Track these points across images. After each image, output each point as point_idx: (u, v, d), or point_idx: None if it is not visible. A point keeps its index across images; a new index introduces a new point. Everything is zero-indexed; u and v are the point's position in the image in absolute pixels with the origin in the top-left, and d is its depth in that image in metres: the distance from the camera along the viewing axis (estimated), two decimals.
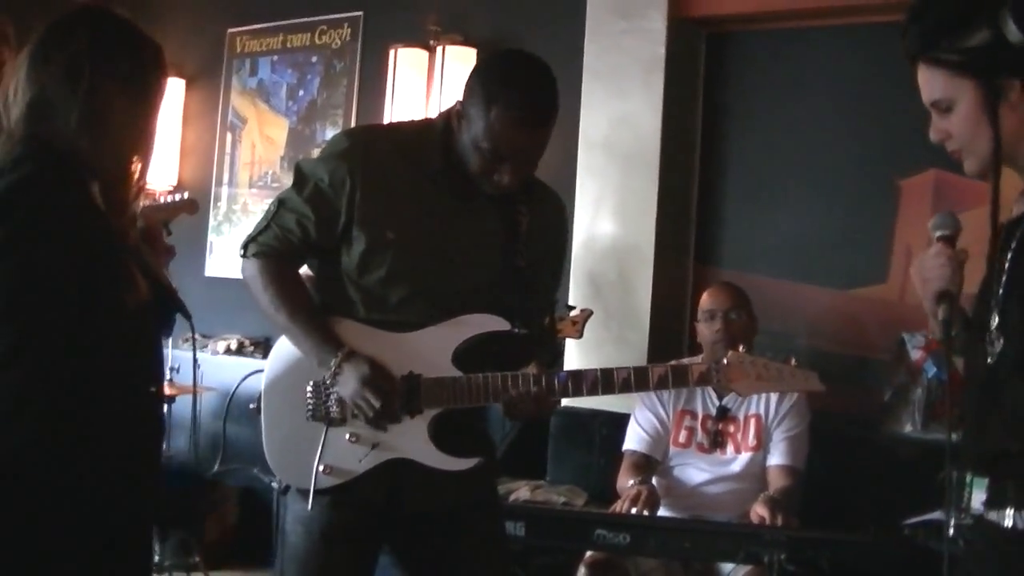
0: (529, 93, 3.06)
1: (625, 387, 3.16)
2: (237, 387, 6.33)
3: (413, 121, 3.46)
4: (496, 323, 3.18)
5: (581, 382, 3.16)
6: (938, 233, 2.40)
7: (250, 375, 5.98)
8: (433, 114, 5.71)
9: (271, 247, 3.25)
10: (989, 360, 2.27)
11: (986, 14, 2.22)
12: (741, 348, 3.28)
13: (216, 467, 6.55)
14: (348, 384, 3.11)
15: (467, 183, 3.17)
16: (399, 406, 3.15)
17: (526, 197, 3.28)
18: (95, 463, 2.59)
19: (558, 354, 3.27)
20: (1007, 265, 2.29)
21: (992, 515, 2.29)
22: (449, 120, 3.20)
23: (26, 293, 2.49)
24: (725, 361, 3.20)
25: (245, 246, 3.31)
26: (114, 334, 2.63)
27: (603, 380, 3.15)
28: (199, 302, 2.94)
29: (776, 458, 4.54)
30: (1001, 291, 2.28)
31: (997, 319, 2.27)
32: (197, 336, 3.06)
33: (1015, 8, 2.19)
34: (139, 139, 2.73)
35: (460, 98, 3.17)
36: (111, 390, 2.63)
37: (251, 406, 3.36)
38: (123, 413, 2.65)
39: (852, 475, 4.66)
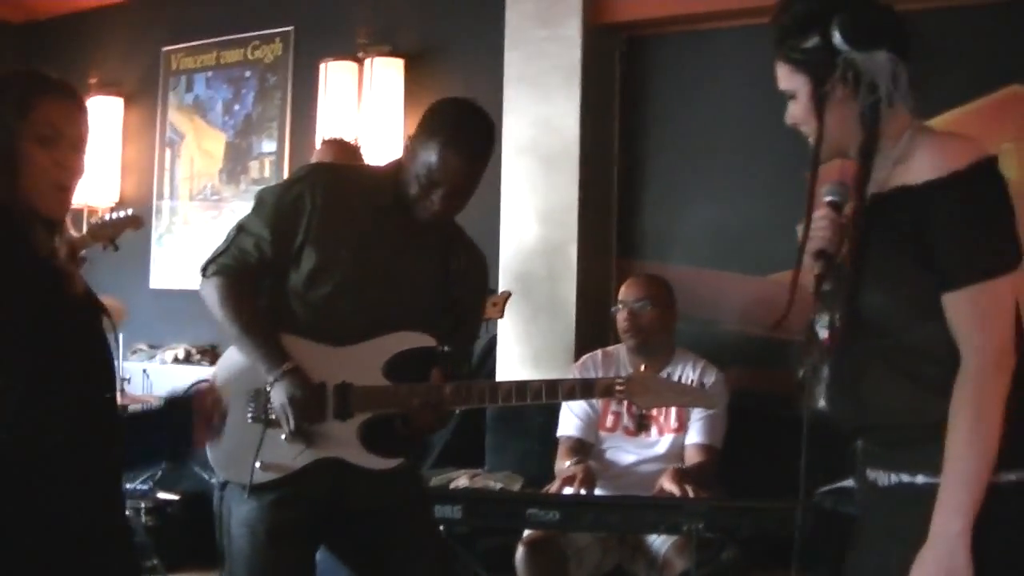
0: (465, 128, 3.43)
1: (536, 397, 3.47)
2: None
3: (377, 164, 3.75)
4: (423, 340, 3.49)
5: (496, 392, 3.51)
6: (828, 198, 2.61)
7: (197, 383, 6.18)
8: (363, 121, 6.01)
9: (229, 267, 3.53)
10: (837, 323, 2.52)
11: (820, 22, 2.51)
12: (643, 367, 3.59)
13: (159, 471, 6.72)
14: (278, 397, 3.39)
15: (412, 221, 3.49)
16: (330, 411, 3.43)
17: (461, 246, 3.65)
18: (52, 468, 2.78)
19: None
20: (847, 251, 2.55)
21: (869, 473, 2.57)
22: (401, 162, 3.53)
23: None
24: (629, 377, 3.54)
25: (205, 267, 3.58)
26: (60, 343, 2.84)
27: (516, 392, 3.48)
28: (146, 314, 3.17)
29: (693, 436, 4.79)
30: (852, 270, 2.52)
31: (848, 295, 2.51)
32: (144, 347, 3.29)
33: (841, 20, 2.48)
34: (23, 167, 2.83)
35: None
36: (67, 395, 2.84)
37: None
38: (78, 415, 2.86)
39: (772, 450, 4.88)
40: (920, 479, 2.42)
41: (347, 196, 3.53)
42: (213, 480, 3.62)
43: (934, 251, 2.38)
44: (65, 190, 2.91)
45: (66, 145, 2.88)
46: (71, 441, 2.81)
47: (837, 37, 2.48)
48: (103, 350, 3.03)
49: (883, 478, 2.52)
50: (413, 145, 3.46)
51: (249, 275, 3.56)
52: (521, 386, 3.48)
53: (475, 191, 3.53)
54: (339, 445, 3.45)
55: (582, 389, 3.61)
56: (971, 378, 2.33)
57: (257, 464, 3.43)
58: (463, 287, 3.61)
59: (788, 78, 2.58)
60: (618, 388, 3.49)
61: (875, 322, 2.48)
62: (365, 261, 3.48)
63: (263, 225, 3.51)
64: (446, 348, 3.52)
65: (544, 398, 3.48)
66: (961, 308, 2.36)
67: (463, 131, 3.42)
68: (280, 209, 3.50)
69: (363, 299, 3.48)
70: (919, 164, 2.42)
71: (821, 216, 2.60)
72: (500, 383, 3.55)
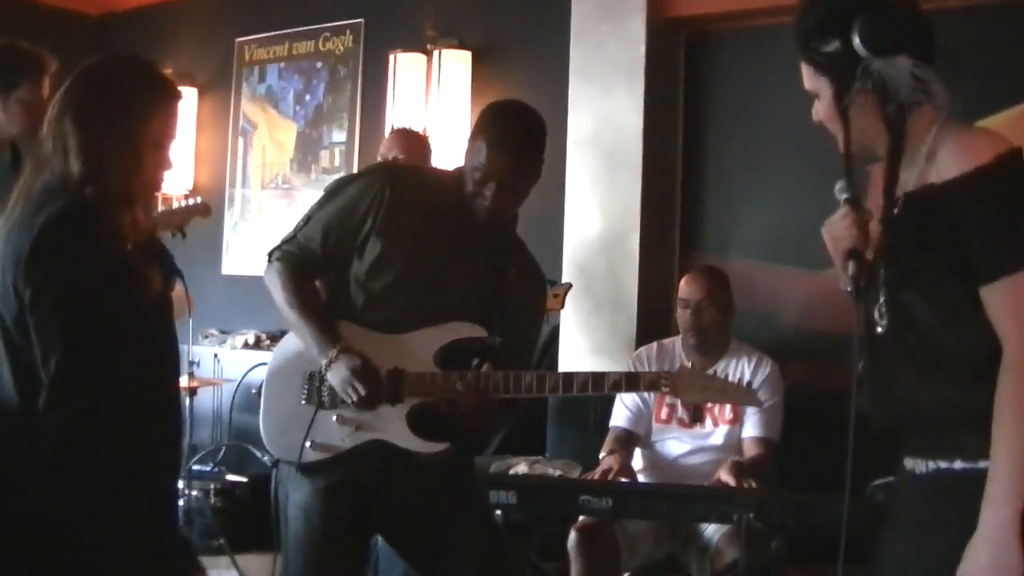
0: (510, 126, 3.56)
1: (583, 389, 3.54)
2: (242, 378, 6.72)
3: (438, 170, 3.86)
4: (475, 330, 3.60)
5: (544, 382, 3.56)
6: (844, 196, 2.63)
7: (255, 367, 6.34)
8: (431, 112, 6.11)
9: (292, 254, 3.69)
10: (879, 330, 2.55)
11: (841, 25, 2.53)
12: (690, 364, 3.66)
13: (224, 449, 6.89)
14: (339, 373, 3.50)
15: (471, 225, 3.61)
16: (384, 396, 3.53)
17: (517, 256, 3.76)
18: (126, 454, 2.92)
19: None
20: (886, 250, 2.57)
21: (907, 462, 2.62)
22: (461, 168, 3.65)
23: (71, 312, 2.85)
24: (675, 374, 3.65)
25: (271, 253, 3.73)
26: (138, 333, 2.98)
27: (564, 383, 3.56)
28: (217, 299, 3.30)
29: (750, 429, 4.84)
30: (883, 273, 2.55)
31: (883, 297, 2.55)
32: (215, 332, 3.42)
33: (862, 25, 2.50)
34: (134, 164, 3.01)
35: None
36: (139, 386, 2.98)
37: (252, 391, 3.73)
38: (150, 408, 3.00)
39: (828, 445, 4.89)
40: (959, 465, 2.46)
41: (412, 195, 3.65)
42: (266, 459, 3.73)
43: (966, 247, 2.41)
44: (161, 186, 3.11)
45: (171, 146, 3.07)
46: (139, 435, 2.96)
47: (857, 43, 2.50)
48: (172, 342, 3.18)
49: (920, 466, 2.55)
50: (468, 147, 3.59)
51: (311, 263, 3.70)
52: (568, 377, 3.57)
53: (528, 188, 3.63)
54: (387, 429, 3.56)
55: (628, 382, 3.68)
56: (1013, 370, 2.35)
57: (308, 443, 3.56)
58: (515, 295, 3.71)
59: (811, 79, 2.63)
60: (664, 383, 3.59)
61: (908, 320, 2.51)
62: (423, 257, 3.60)
63: (330, 216, 3.65)
64: (497, 340, 3.61)
65: (590, 390, 3.55)
66: (997, 301, 2.39)
67: (509, 129, 3.54)
68: (348, 202, 3.64)
69: (419, 292, 3.60)
70: (944, 162, 2.45)
71: (843, 215, 2.63)
72: (547, 373, 3.62)
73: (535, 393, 3.56)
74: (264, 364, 3.92)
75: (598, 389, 3.56)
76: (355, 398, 3.49)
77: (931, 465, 2.53)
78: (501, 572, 3.78)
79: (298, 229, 3.70)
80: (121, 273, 2.94)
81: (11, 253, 2.88)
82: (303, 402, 3.63)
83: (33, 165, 3.04)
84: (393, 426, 3.56)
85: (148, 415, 2.99)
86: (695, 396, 3.68)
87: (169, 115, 3.09)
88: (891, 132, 2.55)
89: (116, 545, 2.94)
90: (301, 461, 3.56)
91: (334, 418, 3.58)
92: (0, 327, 2.93)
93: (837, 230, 2.64)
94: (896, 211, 2.56)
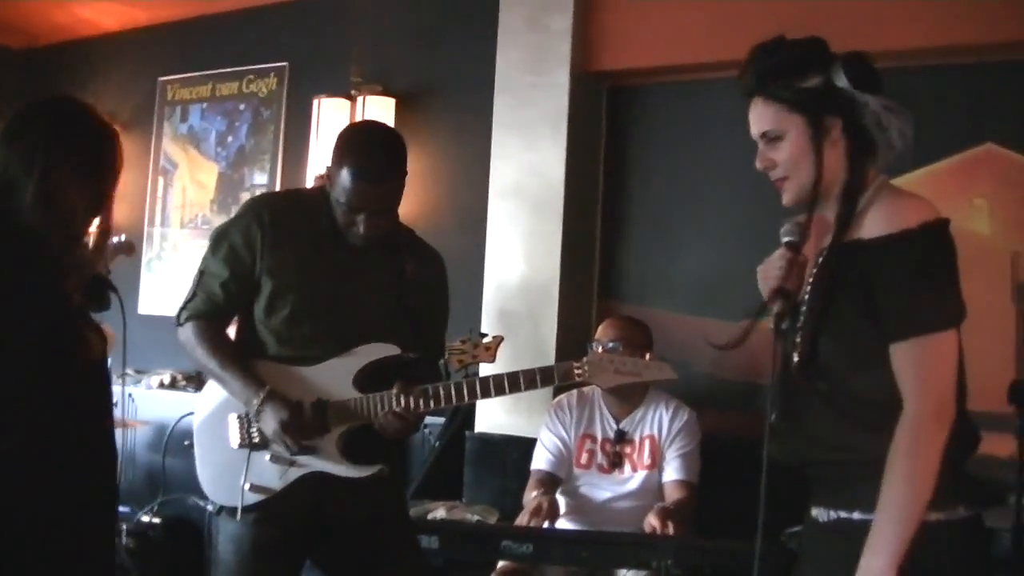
0: (370, 155, 3.58)
1: (500, 391, 3.59)
2: (175, 425, 6.72)
3: (309, 188, 3.88)
4: (388, 349, 3.64)
5: (462, 390, 3.61)
6: (786, 239, 2.73)
7: (186, 416, 6.33)
8: None
9: (200, 311, 3.72)
10: (793, 370, 2.66)
11: (820, 63, 2.63)
12: (600, 348, 3.64)
13: (160, 498, 6.83)
14: (269, 424, 3.56)
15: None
16: (310, 430, 3.58)
17: (410, 250, 3.80)
18: (57, 500, 2.93)
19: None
20: (807, 292, 2.68)
21: (813, 511, 2.71)
22: (324, 189, 3.69)
23: None
24: (585, 359, 3.63)
25: (178, 316, 3.76)
26: (68, 389, 2.98)
27: (481, 388, 3.60)
28: (133, 339, 3.30)
29: (671, 474, 4.91)
30: (803, 312, 2.67)
31: (799, 339, 2.65)
32: (131, 371, 3.43)
33: (846, 62, 2.62)
34: (91, 213, 3.07)
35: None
36: (68, 432, 2.98)
37: (185, 443, 3.75)
38: (80, 451, 3.01)
39: (746, 492, 4.98)
40: (856, 516, 2.55)
41: (290, 221, 3.70)
42: (210, 507, 3.76)
43: (880, 303, 2.50)
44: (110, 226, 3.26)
45: (115, 186, 3.12)
46: (72, 472, 2.96)
47: (842, 78, 2.59)
48: (105, 380, 3.20)
49: (823, 515, 2.66)
50: (330, 173, 3.62)
51: (219, 315, 3.74)
52: (484, 381, 3.60)
53: (399, 204, 3.68)
54: (321, 460, 3.60)
55: (542, 378, 3.64)
56: (910, 425, 2.45)
57: (247, 487, 3.58)
58: (419, 291, 3.76)
59: (777, 119, 2.67)
60: (576, 371, 3.61)
61: (820, 363, 2.60)
62: (314, 283, 3.65)
63: (222, 264, 3.68)
64: (411, 355, 3.66)
65: (508, 390, 3.58)
66: (905, 359, 2.49)
67: (370, 157, 3.56)
68: (234, 245, 3.67)
69: (321, 319, 3.64)
70: (873, 219, 2.55)
71: (780, 256, 2.73)
72: (463, 381, 3.62)
73: (455, 403, 3.63)
74: (190, 414, 3.95)
75: (515, 388, 3.60)
76: (294, 449, 3.56)
77: (832, 514, 2.63)
78: None
79: (196, 285, 3.74)
80: (59, 324, 2.96)
81: None
82: (236, 447, 3.66)
83: None
84: (325, 456, 3.60)
85: (78, 454, 2.99)
86: (611, 379, 3.65)
87: (121, 162, 3.13)
88: (852, 173, 2.63)
89: None
90: (243, 504, 3.58)
91: (267, 458, 3.62)
92: None
93: (771, 269, 2.74)
94: (821, 259, 2.65)
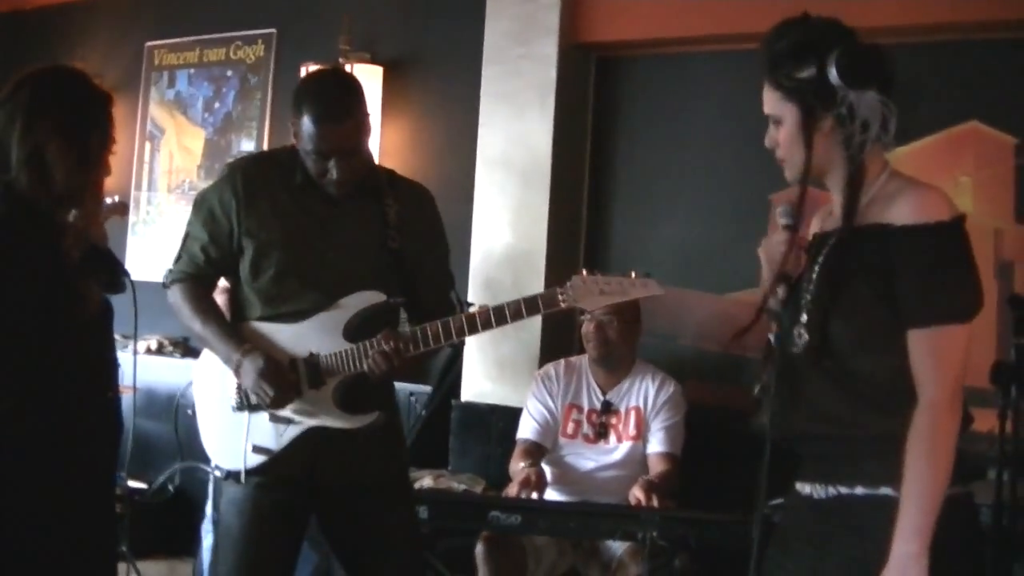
0: (324, 97, 3.60)
1: (487, 325, 3.54)
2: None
3: (284, 147, 3.91)
4: (373, 297, 3.67)
5: (450, 328, 3.57)
6: (783, 221, 2.75)
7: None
8: None
9: (185, 273, 3.77)
10: (794, 350, 2.68)
11: (817, 55, 2.63)
12: (584, 272, 3.57)
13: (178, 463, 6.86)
14: (248, 376, 3.59)
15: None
16: (304, 383, 3.62)
17: (392, 192, 3.79)
18: (55, 462, 2.99)
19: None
20: (814, 276, 2.70)
21: (799, 486, 2.75)
22: (294, 146, 3.71)
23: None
24: (569, 284, 3.53)
25: (165, 278, 3.81)
26: (68, 348, 3.04)
27: (468, 324, 3.57)
28: (119, 304, 3.34)
29: (655, 446, 4.98)
30: (808, 296, 2.69)
31: (804, 318, 2.68)
32: (118, 337, 3.46)
33: (839, 56, 2.61)
34: (81, 174, 3.11)
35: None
36: (68, 395, 3.03)
37: (188, 411, 3.78)
38: (80, 416, 3.06)
39: (728, 463, 5.02)
40: (859, 490, 2.60)
41: (266, 181, 3.73)
42: (216, 473, 3.80)
43: (901, 289, 2.54)
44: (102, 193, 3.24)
45: (110, 153, 3.19)
46: (71, 438, 3.01)
47: (834, 74, 2.60)
48: (109, 349, 3.24)
49: (819, 491, 2.69)
50: (294, 128, 3.64)
51: (204, 276, 3.79)
52: (471, 318, 3.57)
53: (367, 140, 3.70)
54: (318, 414, 3.64)
55: (527, 307, 3.55)
56: (929, 414, 2.50)
57: (249, 447, 3.63)
58: (407, 231, 3.76)
59: (776, 104, 2.70)
60: (561, 296, 3.53)
61: (828, 341, 2.62)
62: (295, 239, 3.68)
63: (202, 228, 3.73)
64: (398, 300, 3.71)
65: (495, 324, 3.54)
66: (924, 346, 2.53)
67: (327, 99, 3.58)
68: (212, 210, 3.72)
69: (306, 273, 3.67)
70: (903, 207, 2.56)
71: (780, 240, 2.75)
72: (451, 319, 3.59)
73: (444, 342, 3.61)
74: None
75: (502, 321, 3.55)
76: (267, 400, 3.58)
77: (831, 490, 2.66)
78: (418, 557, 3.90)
79: (182, 248, 3.79)
80: (56, 284, 3.00)
81: None
82: (235, 410, 3.69)
83: None
84: (323, 409, 3.64)
85: (74, 418, 3.04)
86: (595, 301, 3.58)
87: (110, 123, 3.19)
88: (852, 163, 2.65)
89: (52, 549, 3.00)
90: (246, 468, 3.63)
91: (267, 417, 3.65)
92: None
93: (773, 252, 2.77)
94: (835, 240, 2.68)
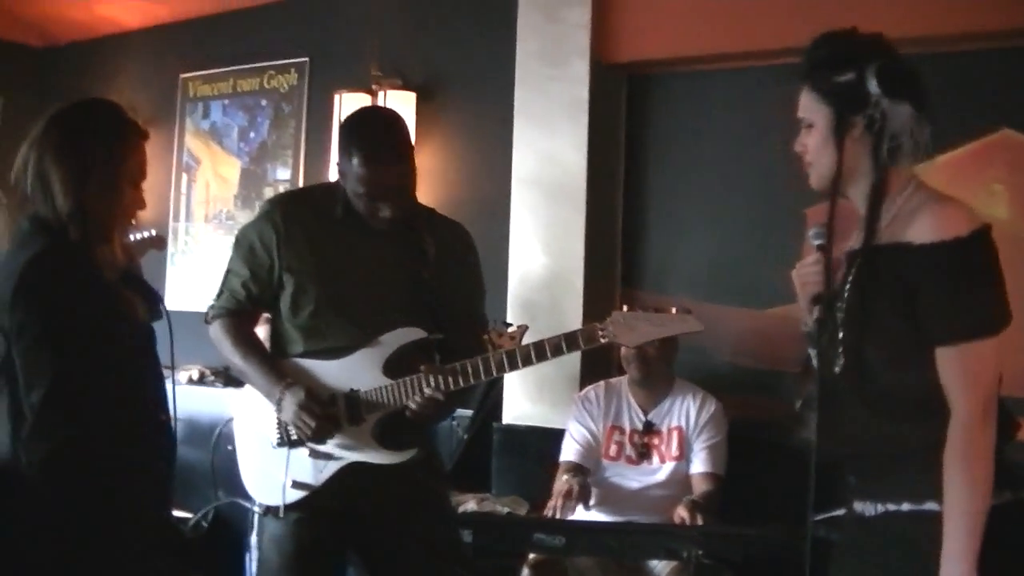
0: (374, 138, 3.61)
1: (527, 361, 3.56)
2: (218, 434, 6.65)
3: (322, 183, 3.92)
4: (413, 333, 3.69)
5: (489, 364, 3.61)
6: (816, 242, 2.75)
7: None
8: None
9: (226, 308, 3.82)
10: (836, 370, 2.69)
11: (858, 61, 2.67)
12: (624, 307, 3.60)
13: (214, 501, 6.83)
14: (288, 410, 3.63)
15: (369, 225, 3.69)
16: (343, 419, 3.66)
17: (429, 228, 3.80)
18: (116, 489, 3.03)
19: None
20: (846, 295, 2.70)
21: (856, 505, 2.76)
22: (339, 182, 3.74)
23: (55, 347, 2.94)
24: (609, 320, 3.56)
25: (206, 315, 3.85)
26: (120, 373, 3.07)
27: (508, 360, 3.59)
28: (159, 335, 3.38)
29: (698, 466, 4.98)
30: (841, 316, 2.69)
31: (840, 338, 2.68)
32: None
33: (880, 65, 2.65)
34: (111, 205, 3.16)
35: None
36: (126, 414, 3.07)
37: (228, 447, 3.80)
38: (137, 441, 3.10)
39: (769, 478, 4.97)
40: (905, 506, 2.62)
41: (305, 217, 3.76)
42: (256, 509, 3.82)
43: (926, 307, 2.55)
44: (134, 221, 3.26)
45: (143, 183, 3.20)
46: (130, 464, 3.04)
47: (872, 82, 2.63)
48: (157, 374, 3.28)
49: (870, 509, 2.70)
50: (340, 166, 3.66)
51: (244, 313, 3.83)
52: (511, 354, 3.59)
53: (416, 178, 3.71)
54: (358, 449, 3.67)
55: (568, 344, 3.58)
56: (962, 428, 2.51)
57: (289, 483, 3.65)
58: (444, 268, 3.78)
59: (810, 107, 2.73)
60: (601, 332, 3.55)
61: (861, 361, 2.63)
62: (334, 274, 3.71)
63: (242, 264, 3.78)
64: (437, 336, 3.72)
65: (535, 360, 3.56)
66: (951, 363, 2.54)
67: (378, 142, 3.60)
68: (253, 245, 3.76)
69: (344, 310, 3.70)
70: (922, 225, 2.57)
71: (814, 261, 2.76)
72: (489, 355, 3.62)
73: (484, 377, 3.63)
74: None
75: (542, 357, 3.58)
76: (308, 433, 3.60)
77: (880, 508, 2.68)
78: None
79: (223, 284, 3.83)
80: (104, 305, 3.05)
81: None
82: (275, 446, 3.72)
83: (13, 205, 3.13)
84: (363, 445, 3.67)
85: (135, 442, 3.08)
86: (636, 337, 3.59)
87: (142, 155, 3.22)
88: (876, 174, 2.66)
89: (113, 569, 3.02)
90: (285, 503, 3.66)
91: (307, 453, 3.67)
92: None
93: (807, 275, 2.78)
94: (859, 260, 2.69)
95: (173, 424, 3.77)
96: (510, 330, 4.03)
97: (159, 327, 3.31)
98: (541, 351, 3.57)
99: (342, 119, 6.51)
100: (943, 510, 2.51)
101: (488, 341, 3.90)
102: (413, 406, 3.60)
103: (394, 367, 3.66)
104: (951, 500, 2.50)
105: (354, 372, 3.67)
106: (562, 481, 4.93)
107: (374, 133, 3.64)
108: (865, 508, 2.72)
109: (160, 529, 3.30)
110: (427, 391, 3.57)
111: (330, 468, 3.68)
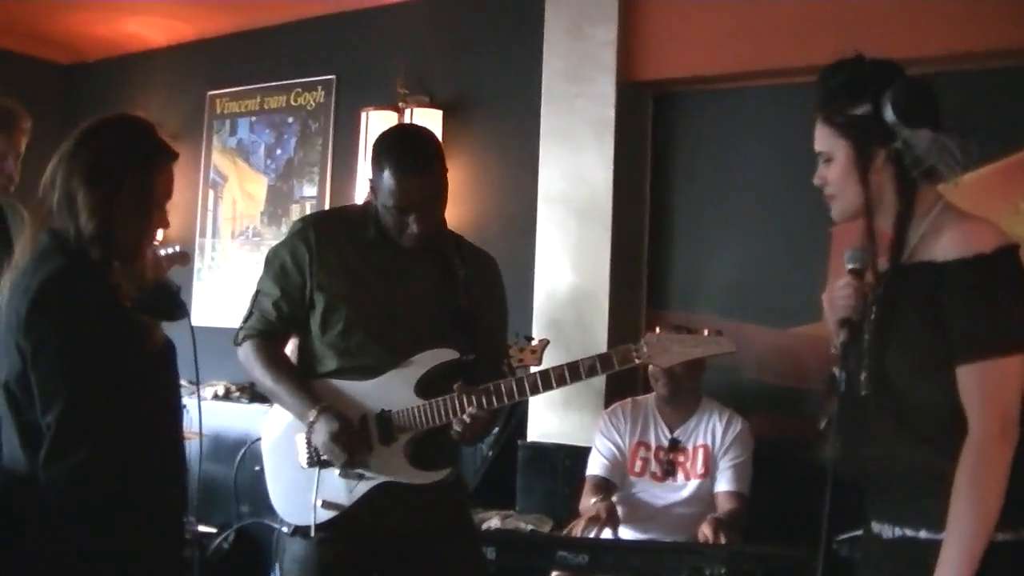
0: (405, 151, 3.62)
1: (561, 382, 3.56)
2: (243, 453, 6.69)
3: (354, 204, 3.91)
4: (446, 355, 3.68)
5: (524, 385, 3.59)
6: (850, 265, 2.74)
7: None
8: None
9: (256, 330, 3.79)
10: (863, 392, 2.66)
11: (872, 91, 2.65)
12: (657, 329, 3.61)
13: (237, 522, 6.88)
14: (320, 436, 3.60)
15: (400, 245, 3.69)
16: (375, 439, 3.64)
17: (458, 253, 3.81)
18: (131, 507, 3.01)
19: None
20: (873, 315, 2.70)
21: (874, 525, 2.74)
22: (370, 201, 3.75)
23: (72, 366, 2.93)
24: (643, 340, 3.56)
25: (236, 336, 3.83)
26: (139, 383, 3.07)
27: (542, 380, 3.58)
28: (185, 350, 3.36)
29: (723, 484, 4.98)
30: (867, 338, 2.68)
31: (867, 361, 2.66)
32: (184, 383, 3.50)
33: (895, 94, 2.62)
34: (138, 223, 3.12)
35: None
36: (140, 435, 3.06)
37: (256, 468, 3.80)
38: (152, 456, 3.10)
39: (793, 496, 5.02)
40: (923, 534, 2.58)
41: (337, 236, 3.75)
42: (284, 529, 3.81)
43: (949, 323, 2.53)
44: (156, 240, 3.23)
45: (167, 204, 3.18)
46: (145, 482, 3.04)
47: (889, 112, 2.61)
48: (175, 392, 3.28)
49: (887, 531, 2.68)
50: (372, 183, 3.67)
51: (275, 333, 3.81)
52: (545, 374, 3.58)
53: (446, 200, 3.72)
54: (390, 470, 3.65)
55: (602, 364, 3.58)
56: (976, 446, 2.48)
57: (319, 503, 3.64)
58: (472, 292, 3.77)
59: (828, 141, 2.72)
60: (635, 353, 3.55)
61: (888, 380, 2.61)
62: (365, 293, 3.70)
63: (273, 284, 3.76)
64: (470, 356, 3.68)
65: (569, 381, 3.56)
66: (972, 381, 2.51)
67: (408, 155, 3.61)
68: (284, 264, 3.75)
69: (375, 330, 3.69)
70: (947, 243, 2.57)
71: (845, 284, 2.74)
72: (523, 376, 3.62)
73: (518, 398, 3.62)
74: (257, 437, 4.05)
75: (576, 377, 3.56)
76: (341, 461, 3.59)
77: (897, 531, 2.65)
78: None
79: (253, 305, 3.81)
80: (121, 326, 3.04)
81: (13, 311, 2.97)
82: (305, 466, 3.71)
83: (34, 222, 3.13)
84: (395, 465, 3.65)
85: (150, 463, 3.07)
86: (669, 358, 3.59)
87: (171, 176, 3.20)
88: (902, 201, 2.65)
89: None
90: (316, 523, 3.64)
91: (337, 473, 3.66)
92: (4, 388, 3.00)
93: (836, 298, 2.76)
94: (887, 279, 2.68)
95: (199, 441, 3.80)
96: (532, 344, 4.03)
97: (183, 343, 3.29)
98: (575, 372, 3.56)
99: (369, 137, 6.66)
100: (945, 530, 2.49)
101: (507, 357, 3.91)
102: (458, 427, 3.59)
103: (425, 387, 3.65)
104: (953, 519, 2.47)
105: (386, 392, 3.66)
106: (590, 504, 4.92)
107: (406, 146, 3.66)
108: (883, 530, 2.70)
109: (172, 550, 3.29)
110: (470, 410, 3.56)
111: (361, 488, 3.66)
